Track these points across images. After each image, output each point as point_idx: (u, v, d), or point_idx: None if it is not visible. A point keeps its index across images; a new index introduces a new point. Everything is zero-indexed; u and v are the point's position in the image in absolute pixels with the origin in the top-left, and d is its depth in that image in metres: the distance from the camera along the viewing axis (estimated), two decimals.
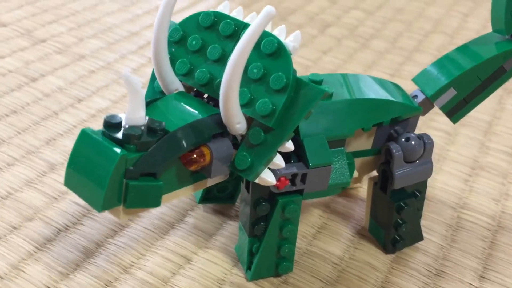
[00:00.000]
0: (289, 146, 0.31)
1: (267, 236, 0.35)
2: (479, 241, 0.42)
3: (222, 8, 0.34)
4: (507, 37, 0.38)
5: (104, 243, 0.39)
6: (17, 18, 0.67)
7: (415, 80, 0.40)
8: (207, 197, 0.42)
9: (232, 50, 0.32)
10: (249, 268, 0.37)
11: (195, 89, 0.34)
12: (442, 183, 0.48)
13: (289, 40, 0.32)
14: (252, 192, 0.34)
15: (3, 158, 0.45)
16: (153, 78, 0.35)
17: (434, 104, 0.39)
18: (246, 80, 0.31)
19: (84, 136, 0.28)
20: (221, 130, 0.31)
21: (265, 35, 0.31)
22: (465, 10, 0.86)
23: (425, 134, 0.38)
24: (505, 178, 0.49)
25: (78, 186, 0.28)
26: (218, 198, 0.42)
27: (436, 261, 0.40)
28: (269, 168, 0.32)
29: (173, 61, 0.33)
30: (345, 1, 0.84)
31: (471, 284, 0.39)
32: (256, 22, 0.28)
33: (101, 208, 0.27)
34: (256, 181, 0.31)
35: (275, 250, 0.36)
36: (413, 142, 0.36)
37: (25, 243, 0.38)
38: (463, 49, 0.39)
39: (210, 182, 0.33)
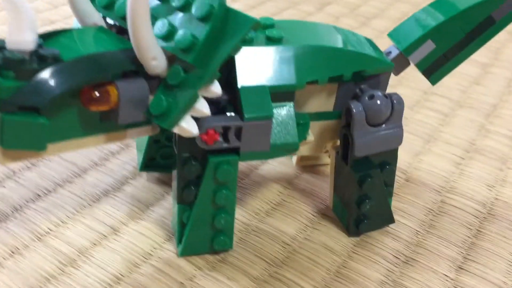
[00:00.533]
0: (215, 89, 0.26)
1: (197, 203, 0.30)
2: (463, 229, 0.36)
3: None
4: None
5: (23, 207, 0.34)
6: None
7: (390, 34, 0.34)
8: (149, 164, 0.37)
9: None
10: (180, 241, 0.31)
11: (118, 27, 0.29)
12: (428, 165, 0.42)
13: None
14: (179, 148, 0.29)
15: None
16: None
17: (409, 60, 0.33)
18: (168, 8, 0.26)
19: None
20: (133, 67, 0.26)
21: None
22: None
23: (394, 93, 0.32)
24: (504, 163, 0.43)
25: None
26: (162, 166, 0.37)
27: (407, 248, 0.34)
28: (193, 118, 0.26)
29: None
30: None
31: (445, 275, 0.32)
32: None
33: None
34: (175, 130, 0.26)
35: (209, 221, 0.31)
36: (378, 101, 0.30)
37: None
38: None
39: (132, 134, 0.28)
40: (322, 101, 0.32)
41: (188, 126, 0.26)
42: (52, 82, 0.23)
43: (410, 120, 0.47)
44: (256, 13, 0.65)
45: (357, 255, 0.33)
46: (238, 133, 0.28)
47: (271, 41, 0.30)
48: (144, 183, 0.37)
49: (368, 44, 0.33)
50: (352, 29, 0.64)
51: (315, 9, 0.68)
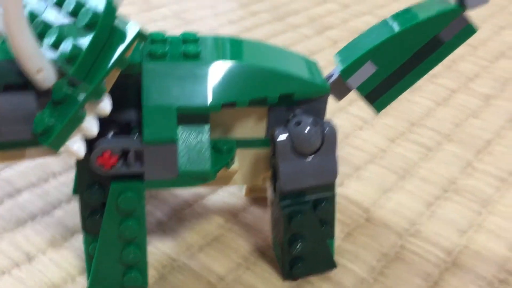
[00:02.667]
0: (104, 107, 0.24)
1: (102, 234, 0.27)
2: (418, 279, 0.32)
3: None
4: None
5: None
6: None
7: (336, 55, 0.31)
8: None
9: None
10: (90, 274, 0.29)
11: None
12: (396, 203, 0.38)
13: None
14: (80, 171, 0.27)
15: None
16: None
17: (348, 84, 0.30)
18: (62, 15, 0.24)
19: None
20: (18, 80, 0.24)
21: None
22: (502, 23, 0.74)
23: (328, 121, 0.28)
24: (484, 207, 0.38)
25: None
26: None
27: None
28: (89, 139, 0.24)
29: None
30: (359, 7, 0.75)
31: None
32: None
33: None
34: (62, 151, 0.24)
35: (117, 255, 0.28)
36: (305, 128, 0.27)
37: None
38: (396, 15, 0.30)
39: (31, 154, 0.26)
40: (252, 127, 0.29)
41: (74, 147, 0.24)
42: None
43: (388, 153, 0.43)
44: (252, 35, 0.63)
45: None
46: (140, 157, 0.26)
47: (187, 57, 0.27)
48: (76, 207, 0.35)
49: (306, 65, 0.30)
50: None
51: (314, 32, 0.66)
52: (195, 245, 0.33)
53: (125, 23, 0.23)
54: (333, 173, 0.28)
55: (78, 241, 0.32)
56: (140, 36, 0.23)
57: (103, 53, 0.23)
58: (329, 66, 0.57)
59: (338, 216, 0.36)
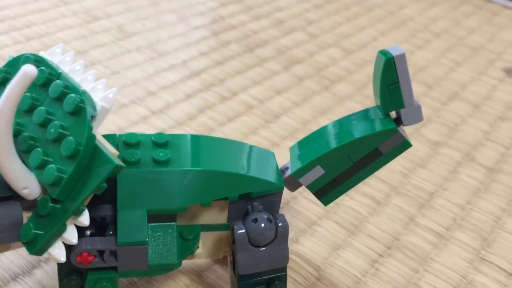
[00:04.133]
0: (83, 220, 0.27)
1: None
2: None
3: (55, 50, 0.30)
4: (386, 114, 0.32)
5: None
6: None
7: (291, 149, 0.35)
8: None
9: (44, 100, 0.28)
10: None
11: None
12: (344, 262, 0.42)
13: (102, 98, 0.28)
14: (59, 263, 0.30)
15: None
16: None
17: (300, 182, 0.34)
18: (45, 139, 0.27)
19: None
20: (7, 193, 0.27)
21: (72, 89, 0.27)
22: (459, 58, 0.79)
23: (281, 215, 0.33)
24: (421, 264, 0.43)
25: None
26: None
27: None
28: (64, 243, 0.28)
29: None
30: (325, 37, 0.79)
31: None
32: (11, 83, 0.24)
33: None
34: (46, 256, 0.27)
35: None
36: (261, 225, 0.31)
37: None
38: (344, 121, 0.34)
39: (16, 246, 0.30)
40: (214, 215, 0.33)
41: (56, 253, 0.27)
42: None
43: (341, 207, 0.48)
44: (221, 70, 0.66)
45: None
46: (114, 254, 0.29)
47: (157, 163, 0.31)
48: (54, 267, 0.38)
49: (266, 161, 0.34)
50: (311, 93, 0.65)
51: (281, 67, 0.69)
52: None
53: (101, 156, 0.26)
54: (284, 259, 0.33)
55: None
56: (116, 169, 0.26)
57: (83, 178, 0.26)
58: (294, 107, 0.60)
59: (292, 275, 0.40)
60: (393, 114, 0.33)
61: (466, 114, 0.65)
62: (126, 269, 0.30)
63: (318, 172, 0.33)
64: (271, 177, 0.33)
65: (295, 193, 0.48)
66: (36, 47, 0.64)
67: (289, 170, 0.34)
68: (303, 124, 0.59)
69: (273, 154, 0.36)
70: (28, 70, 0.23)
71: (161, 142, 0.32)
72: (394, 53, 0.30)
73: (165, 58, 0.67)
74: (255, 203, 0.33)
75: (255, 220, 0.32)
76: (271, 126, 0.58)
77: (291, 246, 0.43)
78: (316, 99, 0.64)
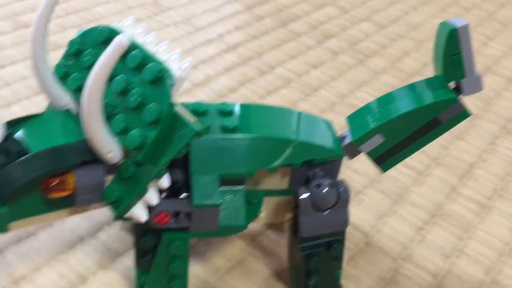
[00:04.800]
0: (163, 183, 0.29)
1: (153, 271, 0.33)
2: None
3: (126, 23, 0.32)
4: (446, 85, 0.33)
5: (4, 250, 0.37)
6: (9, 1, 0.67)
7: (348, 118, 0.36)
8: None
9: (121, 70, 0.29)
10: None
11: None
12: (391, 229, 0.44)
13: (179, 68, 0.29)
14: (136, 223, 0.32)
15: None
16: None
17: (360, 150, 0.35)
18: (126, 107, 0.28)
19: None
20: (91, 157, 0.29)
21: (149, 59, 0.28)
22: (490, 32, 0.79)
23: (342, 181, 0.34)
24: (465, 232, 0.45)
25: None
26: None
27: None
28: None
29: (68, 75, 0.31)
30: (357, 12, 0.79)
31: None
32: (105, 53, 0.25)
33: None
34: (127, 216, 0.29)
35: (164, 286, 0.34)
36: (324, 190, 0.33)
37: None
38: (404, 90, 0.35)
39: (93, 207, 0.31)
40: (276, 181, 0.35)
41: (138, 214, 0.29)
42: (13, 176, 0.26)
43: (384, 177, 0.49)
44: (257, 44, 0.67)
45: None
46: (188, 215, 0.31)
47: (225, 130, 0.32)
48: (117, 231, 0.40)
49: (324, 130, 0.36)
50: (347, 67, 0.65)
51: (315, 42, 0.70)
52: (223, 268, 0.39)
53: (183, 122, 0.28)
54: (345, 223, 0.34)
55: (122, 263, 0.38)
56: (197, 135, 0.27)
57: (165, 143, 0.28)
58: (330, 81, 0.62)
59: None
60: (451, 84, 0.34)
61: (500, 88, 0.66)
62: (198, 229, 0.32)
63: (378, 140, 0.34)
64: (331, 145, 0.35)
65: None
66: (75, 21, 0.65)
67: (347, 138, 0.35)
68: (340, 97, 0.60)
69: (331, 123, 0.37)
70: (121, 41, 0.25)
71: (227, 111, 0.34)
72: (458, 24, 0.31)
73: (201, 32, 0.68)
74: (316, 170, 0.34)
75: (319, 185, 0.33)
76: (310, 99, 0.59)
77: None
78: (352, 73, 0.65)
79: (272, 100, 0.58)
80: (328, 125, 0.36)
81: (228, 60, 0.63)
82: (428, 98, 0.33)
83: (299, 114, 0.36)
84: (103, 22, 0.66)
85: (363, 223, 0.44)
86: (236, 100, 0.56)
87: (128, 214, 0.29)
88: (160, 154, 0.28)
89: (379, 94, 0.60)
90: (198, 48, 0.65)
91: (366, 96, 0.60)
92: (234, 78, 0.60)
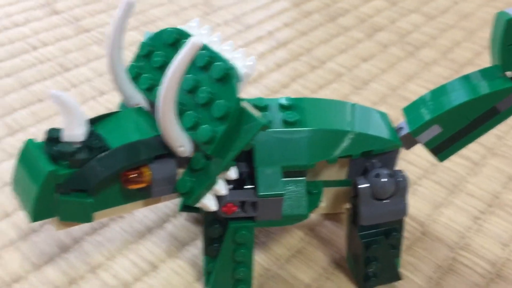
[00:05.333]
0: (231, 175, 0.31)
1: (220, 259, 0.35)
2: None
3: (191, 25, 0.34)
4: (504, 74, 0.34)
5: (82, 240, 0.40)
6: (70, 7, 0.70)
7: (405, 110, 0.37)
8: (188, 206, 0.42)
9: (189, 69, 0.31)
10: (207, 285, 0.37)
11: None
12: (447, 218, 0.44)
13: (244, 65, 0.31)
14: (205, 213, 0.34)
15: (16, 145, 0.48)
16: None
17: (417, 140, 0.36)
18: (195, 103, 0.30)
19: (26, 148, 0.29)
20: (165, 151, 0.31)
21: (216, 58, 0.30)
22: None
23: (400, 171, 0.35)
24: None
25: (18, 194, 0.30)
26: (199, 208, 0.42)
27: None
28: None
29: (140, 75, 0.34)
30: (405, 3, 0.79)
31: None
32: (180, 54, 0.27)
33: (32, 219, 0.29)
34: (198, 205, 0.31)
35: (230, 273, 0.36)
36: (383, 179, 0.34)
37: (12, 231, 0.40)
38: (460, 81, 0.36)
39: (165, 199, 0.33)
40: (335, 172, 0.36)
41: (208, 203, 0.31)
42: (96, 170, 0.29)
43: (438, 168, 0.50)
44: (307, 40, 0.68)
45: None
46: (254, 205, 0.33)
47: (287, 124, 0.34)
48: (182, 222, 0.42)
49: (381, 121, 0.37)
50: (397, 59, 0.66)
51: (364, 35, 0.71)
52: (283, 257, 0.40)
53: (249, 117, 0.29)
54: (403, 212, 0.35)
55: (189, 252, 0.40)
56: (263, 128, 0.29)
57: (233, 137, 0.29)
58: (381, 73, 0.62)
59: None
60: (508, 74, 0.34)
61: None
62: (263, 218, 0.33)
63: (435, 130, 0.35)
64: (389, 135, 0.36)
65: None
66: (133, 23, 0.68)
67: (404, 129, 0.36)
68: (392, 90, 0.60)
69: (386, 115, 0.38)
70: (196, 42, 0.26)
71: (287, 105, 0.35)
72: None
73: (251, 30, 0.70)
74: (374, 160, 0.35)
75: (378, 175, 0.34)
76: (361, 93, 0.60)
77: None
78: (402, 65, 0.65)
79: (324, 94, 0.59)
80: (384, 116, 0.37)
81: (279, 56, 0.65)
82: (485, 88, 0.33)
83: (354, 106, 0.38)
84: (160, 24, 0.68)
85: (419, 213, 0.45)
86: (288, 96, 0.58)
87: (199, 204, 0.31)
88: (228, 147, 0.29)
89: (431, 85, 0.61)
90: (249, 46, 0.66)
91: (417, 88, 0.60)
92: (286, 73, 0.62)
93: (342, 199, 0.37)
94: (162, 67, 0.33)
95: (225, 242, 0.34)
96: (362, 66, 0.64)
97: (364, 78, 0.62)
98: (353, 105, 0.38)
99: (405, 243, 0.42)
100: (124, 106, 0.35)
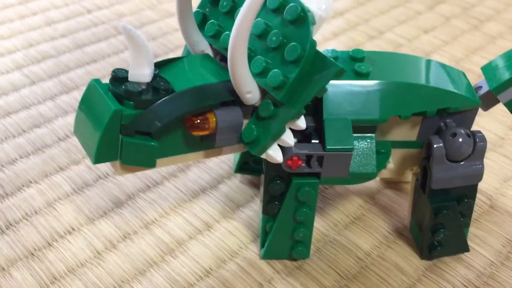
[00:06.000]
0: (300, 124, 0.29)
1: (279, 218, 0.33)
2: None
3: None
4: None
5: (135, 196, 0.40)
6: None
7: (483, 68, 0.35)
8: (243, 167, 0.41)
9: (260, 12, 0.30)
10: (263, 246, 0.35)
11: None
12: None
13: (318, 8, 0.29)
14: (266, 168, 0.32)
15: (71, 103, 0.48)
16: None
17: (499, 99, 0.33)
18: (265, 48, 0.29)
19: (91, 87, 0.28)
20: (231, 98, 0.29)
21: (290, 0, 0.28)
22: None
23: (478, 131, 0.32)
24: None
25: (81, 136, 0.29)
26: (255, 170, 0.41)
27: (478, 278, 0.35)
28: (280, 145, 0.30)
29: (206, 22, 0.32)
30: None
31: None
32: None
33: (94, 160, 0.28)
34: (263, 156, 0.30)
35: (289, 233, 0.34)
36: (460, 139, 0.31)
37: (66, 184, 0.40)
38: None
39: (227, 151, 0.32)
40: (405, 131, 0.34)
41: (274, 154, 0.29)
42: (162, 112, 0.28)
43: (506, 141, 0.47)
44: (364, 10, 0.66)
45: (427, 279, 0.35)
46: (320, 160, 0.31)
47: (358, 75, 0.32)
48: (237, 183, 0.41)
49: (458, 78, 0.34)
50: (461, 32, 0.63)
51: (425, 7, 0.67)
52: (341, 223, 0.39)
53: (325, 60, 0.27)
54: (479, 176, 0.33)
55: (245, 213, 0.39)
56: (338, 72, 0.27)
57: (306, 83, 0.28)
58: (443, 45, 0.59)
59: None
60: None
61: None
62: (328, 175, 0.31)
63: None
64: (468, 93, 0.33)
65: None
66: None
67: (484, 88, 0.34)
68: (455, 62, 0.57)
69: (464, 73, 0.35)
70: None
71: (359, 57, 0.33)
72: None
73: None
74: (448, 120, 0.33)
75: (454, 135, 0.32)
76: None
77: None
78: (466, 37, 0.62)
79: None
80: (462, 74, 0.35)
81: (336, 25, 0.63)
82: None
83: (431, 61, 0.35)
84: None
85: (486, 186, 0.42)
86: None
87: (264, 155, 0.29)
88: (300, 93, 0.28)
89: None
90: None
91: (482, 60, 0.57)
92: (343, 42, 0.59)
93: (410, 162, 0.35)
94: (229, 12, 0.31)
95: (286, 199, 0.33)
96: (423, 37, 0.61)
97: (425, 49, 0.59)
98: (429, 60, 0.35)
99: (472, 216, 0.39)
100: (189, 52, 0.33)
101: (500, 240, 0.38)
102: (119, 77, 0.28)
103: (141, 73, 0.28)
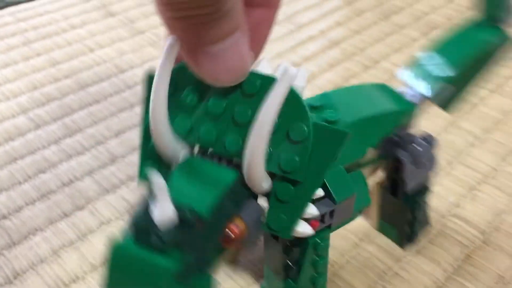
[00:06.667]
0: (319, 192, 0.30)
1: (302, 276, 0.34)
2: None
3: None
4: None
5: None
6: (124, 9, 0.72)
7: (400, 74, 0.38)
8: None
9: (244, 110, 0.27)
10: None
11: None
12: (509, 226, 0.42)
13: (297, 83, 0.29)
14: (282, 240, 0.33)
15: (75, 146, 0.50)
16: (146, 137, 0.28)
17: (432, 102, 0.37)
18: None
19: (120, 253, 0.23)
20: (249, 193, 0.27)
21: (268, 81, 0.27)
22: None
23: (427, 134, 0.37)
24: None
25: None
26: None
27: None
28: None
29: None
30: (463, 1, 0.76)
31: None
32: (277, 90, 0.25)
33: None
34: (293, 235, 0.29)
35: (311, 286, 0.35)
36: (419, 148, 0.35)
37: (70, 231, 0.42)
38: (454, 38, 0.38)
39: (244, 254, 0.33)
40: (369, 154, 0.35)
41: (302, 229, 0.29)
42: (202, 241, 0.24)
43: (500, 173, 0.48)
44: (360, 39, 0.67)
45: None
46: (331, 213, 0.32)
47: (330, 123, 0.32)
48: None
49: (388, 93, 0.37)
50: None
51: (420, 34, 0.69)
52: (337, 263, 0.40)
53: (330, 131, 0.26)
54: (436, 163, 0.37)
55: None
56: (348, 136, 0.26)
57: (318, 156, 0.27)
58: None
59: (458, 238, 0.41)
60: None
61: None
62: (337, 223, 0.32)
63: (450, 90, 0.37)
64: (406, 104, 0.36)
65: (452, 159, 0.48)
66: None
67: (415, 94, 0.36)
68: None
69: (386, 84, 0.38)
70: (291, 71, 0.25)
71: (321, 105, 0.33)
72: None
73: (303, 29, 0.69)
74: (400, 133, 0.36)
75: (412, 143, 0.35)
76: None
77: (453, 210, 0.44)
78: None
79: None
80: (386, 87, 0.37)
81: (331, 56, 0.64)
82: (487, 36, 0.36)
83: (362, 87, 0.37)
84: None
85: (479, 220, 0.43)
86: None
87: (294, 234, 0.29)
88: (315, 167, 0.27)
89: (492, 86, 0.58)
90: (301, 46, 0.66)
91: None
92: (339, 74, 0.61)
93: (369, 173, 0.37)
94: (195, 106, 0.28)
95: (306, 259, 0.33)
96: None
97: None
98: (359, 87, 0.37)
99: (464, 252, 0.40)
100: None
101: (492, 277, 0.39)
102: (144, 225, 0.23)
103: (168, 212, 0.23)
